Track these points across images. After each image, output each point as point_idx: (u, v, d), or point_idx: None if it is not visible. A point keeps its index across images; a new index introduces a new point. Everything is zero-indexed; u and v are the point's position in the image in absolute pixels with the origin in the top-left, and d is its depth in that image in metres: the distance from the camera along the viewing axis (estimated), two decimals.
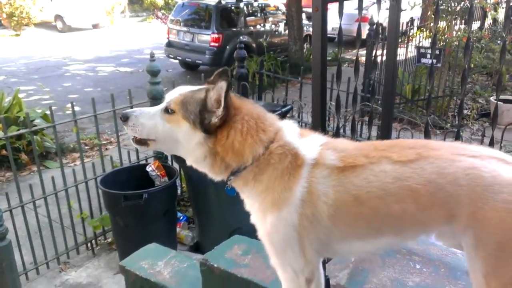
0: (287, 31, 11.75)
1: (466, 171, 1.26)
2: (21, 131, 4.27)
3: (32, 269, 3.67)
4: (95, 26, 20.96)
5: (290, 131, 1.42)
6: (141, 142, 1.46)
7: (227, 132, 1.36)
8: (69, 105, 3.82)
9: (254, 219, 1.44)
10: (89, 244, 4.03)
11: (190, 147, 1.39)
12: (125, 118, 1.43)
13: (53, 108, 3.74)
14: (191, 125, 1.36)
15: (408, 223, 1.34)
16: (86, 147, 6.28)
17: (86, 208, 4.02)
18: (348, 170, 1.32)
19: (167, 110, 1.40)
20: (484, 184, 1.24)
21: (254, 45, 11.11)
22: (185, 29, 11.15)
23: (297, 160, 1.35)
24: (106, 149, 6.21)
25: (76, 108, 3.79)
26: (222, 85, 1.33)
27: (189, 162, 1.47)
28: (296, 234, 1.34)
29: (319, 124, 2.45)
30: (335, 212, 1.31)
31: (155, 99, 3.99)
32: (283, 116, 3.82)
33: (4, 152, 5.16)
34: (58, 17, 19.97)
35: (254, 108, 1.44)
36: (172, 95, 1.42)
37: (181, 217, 4.18)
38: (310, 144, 1.39)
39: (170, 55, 11.58)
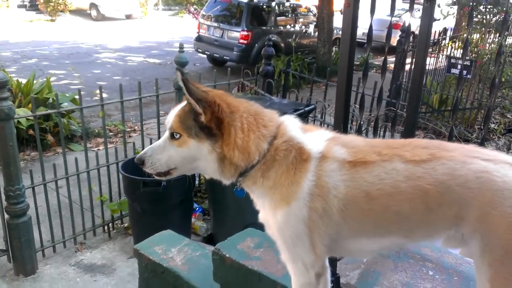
0: (316, 33, 11.71)
1: (477, 174, 1.25)
2: (49, 111, 4.37)
3: (49, 246, 3.76)
4: (128, 17, 21.33)
5: (292, 126, 1.42)
6: (164, 174, 1.49)
7: (228, 132, 1.36)
8: (97, 90, 3.90)
9: (264, 217, 1.45)
10: (106, 227, 4.10)
11: (205, 159, 1.41)
12: (142, 162, 1.47)
13: (81, 93, 3.82)
14: (196, 138, 1.38)
15: (416, 223, 1.34)
16: (110, 133, 6.40)
17: (106, 192, 4.09)
18: (360, 165, 1.32)
19: (173, 136, 1.42)
20: (495, 189, 1.22)
21: (282, 44, 11.10)
22: (215, 24, 11.24)
23: (302, 154, 1.36)
24: (130, 136, 6.31)
25: (104, 95, 3.87)
26: (181, 84, 1.33)
27: (208, 176, 1.49)
28: (306, 228, 1.34)
29: (341, 125, 2.44)
30: (345, 207, 1.31)
31: (181, 89, 4.03)
32: (305, 115, 3.81)
33: (31, 131, 5.30)
34: (93, 6, 20.41)
35: (251, 105, 1.44)
36: (170, 119, 1.44)
37: (197, 208, 4.22)
38: (315, 138, 1.40)
39: (199, 50, 11.69)
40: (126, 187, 3.70)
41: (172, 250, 2.28)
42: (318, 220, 1.33)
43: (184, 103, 1.43)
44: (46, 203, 3.70)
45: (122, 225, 4.21)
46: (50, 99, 5.82)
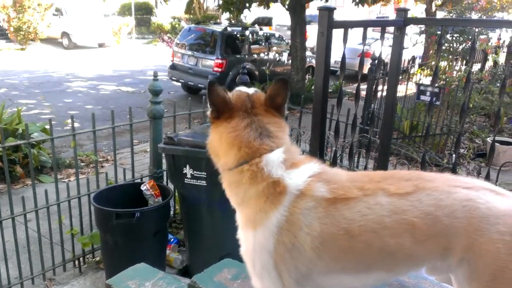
0: (290, 61, 11.92)
1: (463, 202, 1.25)
2: (19, 142, 4.25)
3: (16, 283, 3.58)
4: (101, 45, 21.28)
5: (273, 159, 1.37)
6: None
7: (215, 127, 1.46)
8: (68, 120, 3.82)
9: (238, 231, 1.45)
10: (76, 262, 3.95)
11: None
12: None
13: (52, 122, 3.74)
14: None
15: (402, 258, 1.32)
16: (82, 164, 6.26)
17: (77, 225, 3.96)
18: (340, 202, 1.29)
19: None
20: (480, 216, 1.24)
21: (256, 72, 11.24)
22: (189, 53, 11.31)
23: (277, 186, 1.33)
24: (102, 166, 6.19)
25: (76, 124, 3.79)
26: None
27: None
28: (271, 260, 1.32)
29: (317, 152, 2.45)
30: (321, 245, 1.28)
31: (155, 118, 3.99)
32: None
33: None
34: (64, 34, 20.30)
35: (246, 127, 1.41)
36: None
37: (172, 239, 4.12)
38: (298, 174, 1.36)
39: (173, 78, 11.70)
40: (98, 219, 3.59)
41: (146, 284, 2.20)
42: (285, 254, 1.30)
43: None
44: (14, 238, 3.55)
45: (93, 259, 4.07)
46: (20, 129, 5.68)
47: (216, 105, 1.43)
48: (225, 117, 1.43)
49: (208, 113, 1.46)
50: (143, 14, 27.03)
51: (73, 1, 21.70)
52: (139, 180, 4.18)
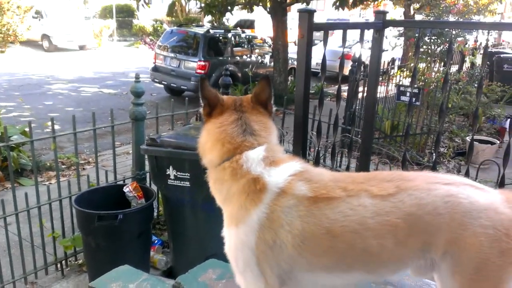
0: (272, 63, 11.97)
1: (444, 199, 1.28)
2: None
3: None
4: (82, 48, 21.03)
5: (253, 156, 1.40)
6: None
7: (206, 124, 1.51)
8: (48, 122, 3.76)
9: (224, 228, 1.47)
10: (58, 265, 3.90)
11: None
12: None
13: (32, 125, 3.69)
14: None
15: (384, 259, 1.33)
16: (63, 166, 6.18)
17: (58, 228, 3.91)
18: (322, 201, 1.31)
19: None
20: (463, 211, 1.26)
21: (239, 74, 11.26)
22: (172, 55, 11.26)
23: (257, 184, 1.35)
24: (84, 169, 6.12)
25: (56, 127, 3.74)
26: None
27: None
28: (254, 257, 1.34)
29: (300, 152, 2.48)
30: (302, 243, 1.30)
31: (137, 120, 3.97)
32: None
33: None
34: (45, 37, 20.01)
35: (232, 122, 1.45)
36: None
37: (156, 241, 4.10)
38: (279, 172, 1.38)
39: (156, 80, 11.64)
40: (80, 221, 3.55)
41: (129, 286, 2.19)
42: (267, 251, 1.32)
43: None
44: None
45: (76, 262, 4.02)
46: None
47: (208, 99, 1.47)
48: (216, 113, 1.48)
49: (201, 110, 1.49)
50: (125, 17, 26.79)
51: (53, 4, 21.41)
52: (121, 182, 4.16)
